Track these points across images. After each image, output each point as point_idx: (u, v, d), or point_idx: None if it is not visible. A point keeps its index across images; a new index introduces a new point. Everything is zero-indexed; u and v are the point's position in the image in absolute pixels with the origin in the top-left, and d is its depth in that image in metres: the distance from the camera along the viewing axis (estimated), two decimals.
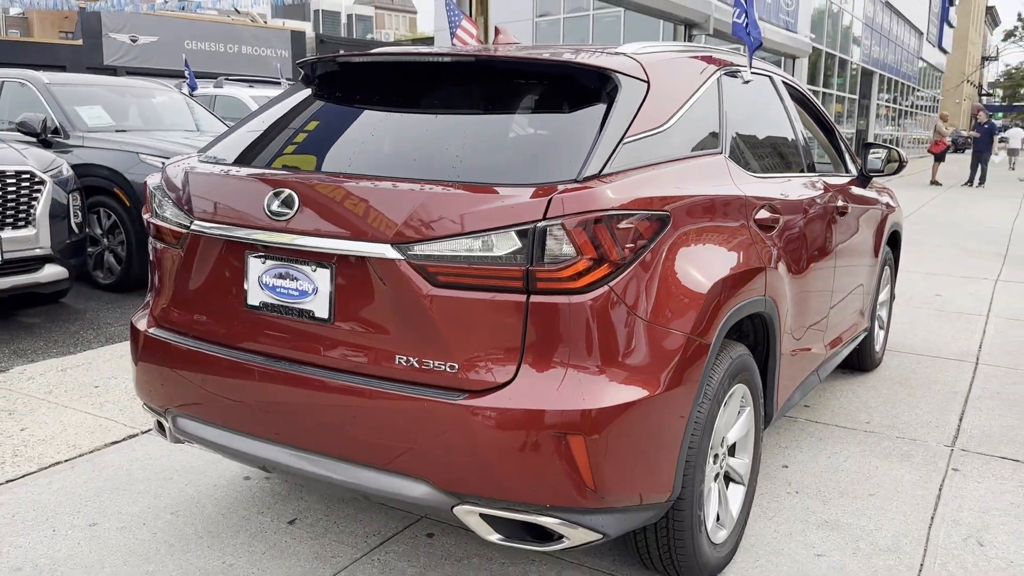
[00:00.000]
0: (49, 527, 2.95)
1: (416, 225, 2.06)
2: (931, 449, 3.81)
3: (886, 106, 36.86)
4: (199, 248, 2.43)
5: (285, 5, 31.53)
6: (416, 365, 2.11)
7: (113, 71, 22.64)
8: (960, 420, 4.19)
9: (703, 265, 2.35)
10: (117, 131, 7.03)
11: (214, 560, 2.76)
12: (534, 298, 2.01)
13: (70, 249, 5.56)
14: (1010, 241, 10.93)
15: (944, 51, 47.73)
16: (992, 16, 75.09)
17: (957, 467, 3.61)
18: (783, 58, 21.35)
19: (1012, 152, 30.21)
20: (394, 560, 2.77)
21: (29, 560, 2.74)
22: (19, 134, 6.69)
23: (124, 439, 3.73)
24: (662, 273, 2.18)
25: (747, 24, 3.27)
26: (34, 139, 6.66)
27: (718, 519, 2.65)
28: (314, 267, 2.21)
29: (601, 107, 2.32)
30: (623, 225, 2.08)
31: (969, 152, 22.60)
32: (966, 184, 20.95)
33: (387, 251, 2.08)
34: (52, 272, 5.39)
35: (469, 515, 2.12)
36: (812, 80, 25.30)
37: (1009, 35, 35.61)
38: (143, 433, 3.79)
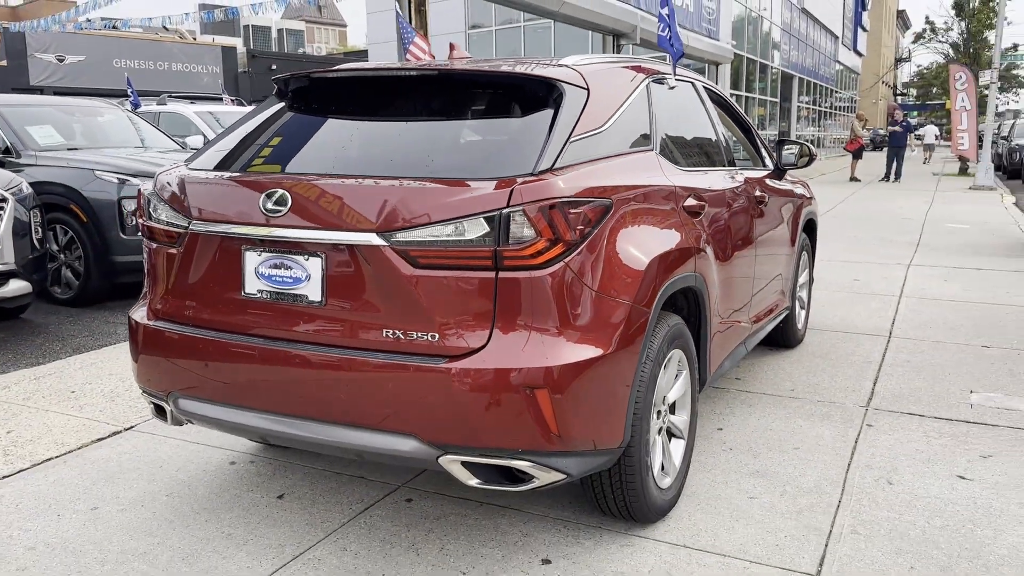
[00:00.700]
0: (54, 513, 3.19)
1: (397, 216, 2.40)
2: (848, 410, 4.28)
3: (807, 108, 38.30)
4: (197, 246, 2.72)
5: (214, 22, 31.29)
6: (401, 336, 2.44)
7: (40, 92, 22.26)
8: (874, 385, 4.69)
9: (641, 245, 2.74)
10: (69, 149, 7.17)
11: (213, 531, 3.04)
12: (502, 274, 2.37)
13: (32, 264, 5.72)
14: (922, 231, 11.70)
15: (859, 54, 49.76)
16: (903, 19, 78.44)
17: (871, 423, 4.08)
18: (707, 64, 22.19)
19: (927, 148, 31.81)
20: (379, 521, 3.09)
21: (41, 540, 2.98)
22: None
23: (109, 436, 3.96)
24: (608, 251, 2.56)
25: (670, 37, 3.69)
26: None
27: (663, 468, 3.04)
28: (307, 257, 2.53)
29: (550, 112, 2.70)
30: (574, 211, 2.45)
31: (886, 149, 23.76)
32: (883, 180, 22.05)
33: (373, 239, 2.41)
34: (17, 287, 5.55)
35: (452, 463, 2.46)
36: (735, 85, 26.26)
37: (919, 37, 37.47)
38: (127, 430, 4.03)
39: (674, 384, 3.11)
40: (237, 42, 42.19)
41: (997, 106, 27.37)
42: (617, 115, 2.96)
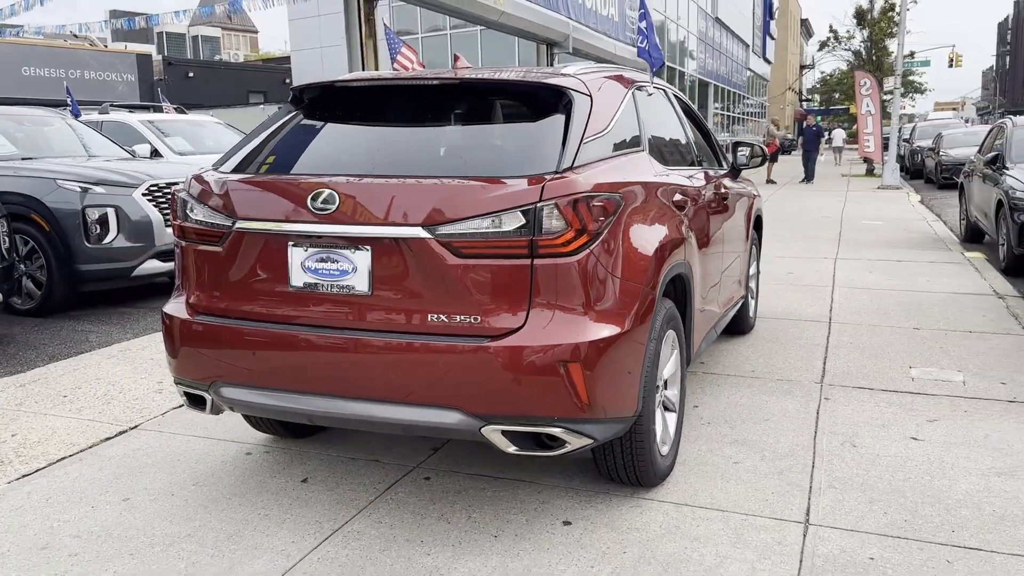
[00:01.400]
0: (87, 505, 3.32)
1: (441, 211, 2.66)
2: (805, 386, 4.71)
3: (720, 113, 39.72)
4: (242, 243, 2.92)
5: (125, 29, 30.59)
6: (446, 320, 2.70)
7: None
8: (824, 364, 5.14)
9: (647, 235, 3.07)
10: (23, 159, 7.11)
11: (249, 513, 3.23)
12: (536, 261, 2.66)
13: (1, 274, 5.71)
14: (841, 227, 12.45)
15: (768, 61, 51.84)
16: (806, 28, 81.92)
17: (828, 397, 4.51)
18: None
19: (837, 150, 33.41)
20: (404, 497, 3.33)
21: (84, 529, 3.11)
22: None
23: (117, 435, 4.07)
24: (622, 241, 2.88)
25: (649, 48, 4.05)
26: None
27: (661, 437, 3.37)
28: (353, 250, 2.77)
29: (562, 116, 3.00)
30: (595, 204, 2.75)
31: (796, 153, 24.95)
32: (803, 181, 23.12)
33: (419, 232, 2.67)
34: None
35: (493, 433, 2.73)
36: None
37: (823, 45, 39.38)
38: (132, 429, 4.15)
39: (668, 362, 3.45)
40: (151, 49, 41.20)
41: (902, 107, 28.97)
42: (615, 119, 3.28)
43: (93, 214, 6.49)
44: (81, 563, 2.87)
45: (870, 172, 25.35)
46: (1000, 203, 8.89)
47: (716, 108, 38.06)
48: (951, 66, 42.97)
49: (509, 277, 2.67)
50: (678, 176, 3.75)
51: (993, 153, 9.79)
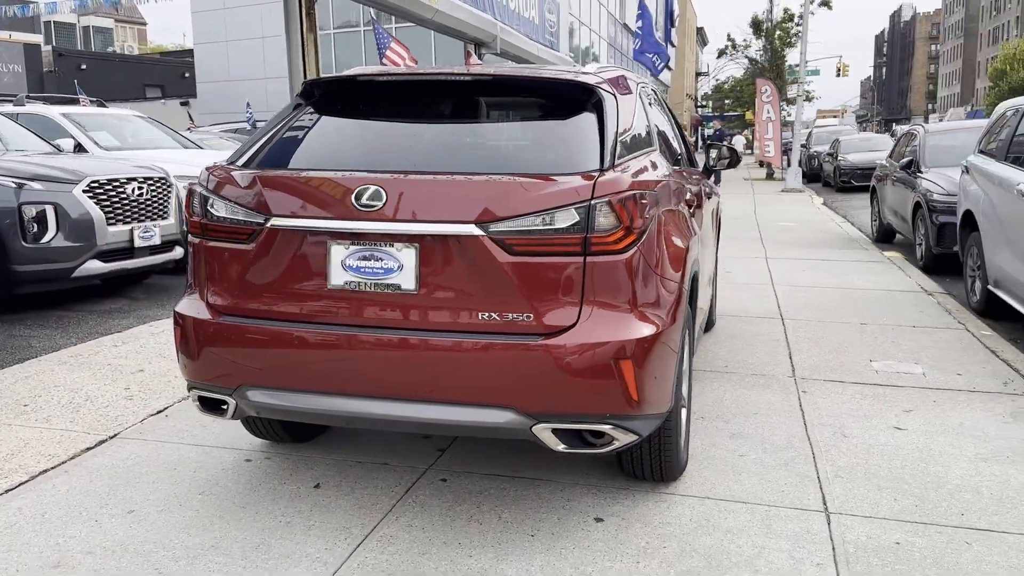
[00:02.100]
0: (90, 518, 3.12)
1: (494, 208, 2.63)
2: (780, 380, 4.87)
3: None
4: (276, 241, 2.81)
5: (9, 18, 28.87)
6: (497, 318, 2.68)
7: None
8: (790, 359, 5.33)
9: (676, 232, 3.12)
10: None
11: (268, 521, 3.11)
12: (589, 259, 2.66)
13: None
14: (759, 229, 12.93)
15: (669, 68, 53.14)
16: (702, 36, 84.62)
17: (804, 390, 4.68)
18: None
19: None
20: (426, 500, 3.27)
21: (96, 544, 2.93)
22: None
23: (97, 444, 3.85)
24: (660, 238, 2.92)
25: (643, 49, 4.09)
26: None
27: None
28: (400, 248, 2.70)
29: (594, 115, 3.01)
30: (641, 201, 2.78)
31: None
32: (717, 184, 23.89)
33: (472, 230, 2.63)
34: None
35: (544, 431, 2.72)
36: None
37: (722, 53, 40.75)
38: (112, 438, 3.93)
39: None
40: (38, 39, 38.95)
41: (789, 114, 30.24)
42: (635, 118, 3.32)
43: (30, 211, 6.10)
44: None
45: (770, 176, 26.39)
46: (918, 205, 9.41)
47: None
48: (838, 76, 45.21)
49: (561, 274, 2.66)
50: (682, 175, 3.82)
51: (908, 158, 10.35)
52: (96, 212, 6.42)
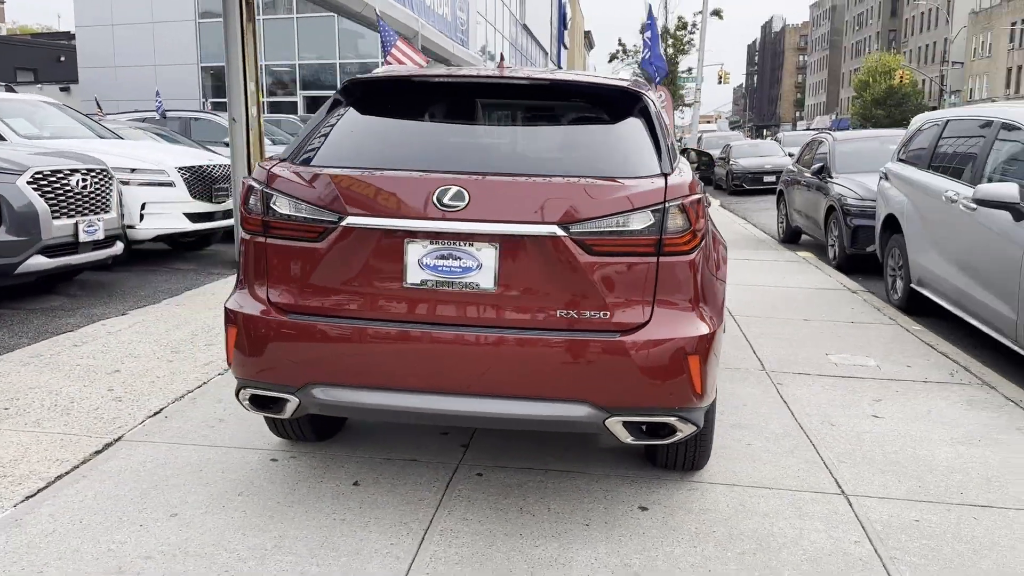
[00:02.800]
0: (133, 524, 3.03)
1: (575, 209, 2.73)
2: (754, 373, 5.16)
3: None
4: (349, 240, 2.81)
5: None
6: (575, 315, 2.78)
7: None
8: (755, 354, 5.64)
9: (717, 235, 3.30)
10: None
11: (322, 519, 3.10)
12: (662, 259, 2.80)
13: None
14: None
15: (561, 69, 54.19)
16: (589, 40, 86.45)
17: (780, 383, 4.98)
18: None
19: None
20: (470, 493, 3.33)
21: (152, 549, 2.85)
22: None
23: (104, 448, 3.71)
24: (711, 240, 3.09)
25: (652, 59, 4.26)
26: None
27: None
28: (480, 247, 2.76)
29: (642, 120, 3.15)
30: (702, 204, 2.94)
31: None
32: None
33: (555, 230, 2.72)
34: None
35: (615, 424, 2.84)
36: None
37: (613, 57, 41.86)
38: (117, 441, 3.79)
39: None
40: None
41: (683, 117, 31.43)
42: (665, 123, 3.49)
43: None
44: None
45: None
46: (831, 208, 10.03)
47: None
48: (720, 83, 47.21)
49: (636, 274, 2.79)
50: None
51: (819, 164, 11.00)
52: (41, 205, 6.08)
